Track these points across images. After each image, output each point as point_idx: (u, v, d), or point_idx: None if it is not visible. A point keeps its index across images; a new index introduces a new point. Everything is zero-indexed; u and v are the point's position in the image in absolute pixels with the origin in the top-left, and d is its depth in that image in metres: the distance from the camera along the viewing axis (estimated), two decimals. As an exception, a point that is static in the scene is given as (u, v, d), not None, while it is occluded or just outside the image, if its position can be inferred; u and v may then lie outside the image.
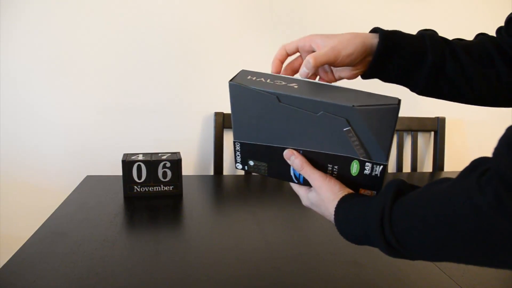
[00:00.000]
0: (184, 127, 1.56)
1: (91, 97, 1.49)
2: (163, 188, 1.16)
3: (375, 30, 0.60)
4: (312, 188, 0.57)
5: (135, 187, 1.14)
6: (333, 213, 0.52)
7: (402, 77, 0.61)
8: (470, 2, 1.63)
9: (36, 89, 1.45)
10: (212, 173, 1.58)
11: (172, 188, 1.16)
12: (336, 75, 0.62)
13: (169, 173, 1.15)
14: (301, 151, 0.56)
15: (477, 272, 0.78)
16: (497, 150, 0.36)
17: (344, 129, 0.52)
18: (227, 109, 1.55)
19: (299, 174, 0.57)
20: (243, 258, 0.82)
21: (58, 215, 1.01)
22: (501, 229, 0.34)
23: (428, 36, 0.60)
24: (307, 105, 0.52)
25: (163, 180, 1.15)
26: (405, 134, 1.68)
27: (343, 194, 0.52)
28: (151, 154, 1.20)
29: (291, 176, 0.59)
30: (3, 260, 0.77)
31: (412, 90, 0.63)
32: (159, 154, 1.19)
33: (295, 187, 0.60)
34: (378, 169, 0.52)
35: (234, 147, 0.61)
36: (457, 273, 0.77)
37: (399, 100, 0.49)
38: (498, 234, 0.35)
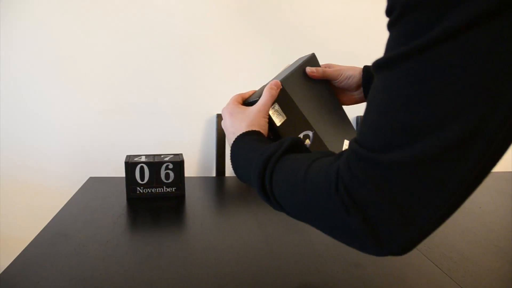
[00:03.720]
0: (186, 129, 1.57)
1: (94, 99, 1.49)
2: (166, 190, 1.16)
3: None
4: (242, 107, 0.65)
5: (138, 188, 1.15)
6: (234, 138, 0.59)
7: None
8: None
9: (39, 90, 1.46)
10: (214, 174, 1.59)
11: (174, 189, 1.17)
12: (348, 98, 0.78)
13: (171, 174, 1.15)
14: (314, 131, 0.69)
15: (479, 274, 0.78)
16: (348, 150, 0.40)
17: (345, 140, 0.72)
18: (229, 110, 1.55)
19: None
20: (245, 260, 0.82)
21: (61, 216, 1.01)
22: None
23: None
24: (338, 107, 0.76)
25: (165, 181, 1.16)
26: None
27: (257, 128, 0.59)
28: (154, 155, 1.20)
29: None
30: (6, 261, 0.78)
31: None
32: (162, 156, 1.19)
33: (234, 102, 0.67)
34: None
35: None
36: (458, 275, 0.77)
37: None
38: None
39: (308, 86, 0.71)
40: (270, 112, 0.66)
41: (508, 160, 0.53)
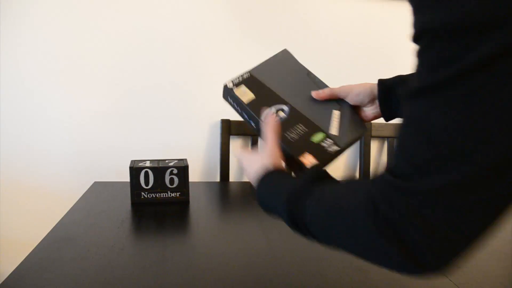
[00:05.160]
0: (191, 134, 1.58)
1: (99, 103, 1.50)
2: (170, 195, 1.17)
3: None
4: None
5: (143, 193, 1.15)
6: (258, 177, 0.59)
7: None
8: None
9: (43, 94, 1.47)
10: (218, 179, 1.59)
11: (179, 194, 1.17)
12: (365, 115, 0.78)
13: (176, 179, 1.16)
14: (289, 105, 0.70)
15: (482, 281, 0.78)
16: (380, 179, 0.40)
17: (334, 110, 0.72)
18: (233, 116, 1.56)
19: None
20: (248, 264, 0.83)
21: (66, 221, 1.02)
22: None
23: None
24: (322, 86, 0.76)
25: (170, 186, 1.16)
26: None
27: (274, 168, 0.59)
28: (158, 160, 1.21)
29: (259, 120, 0.69)
30: (11, 266, 0.79)
31: None
32: (166, 161, 1.20)
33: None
34: (333, 148, 0.65)
35: (242, 75, 0.74)
36: (463, 281, 0.77)
37: (364, 132, 0.75)
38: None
39: (282, 74, 0.75)
40: (237, 93, 0.70)
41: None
